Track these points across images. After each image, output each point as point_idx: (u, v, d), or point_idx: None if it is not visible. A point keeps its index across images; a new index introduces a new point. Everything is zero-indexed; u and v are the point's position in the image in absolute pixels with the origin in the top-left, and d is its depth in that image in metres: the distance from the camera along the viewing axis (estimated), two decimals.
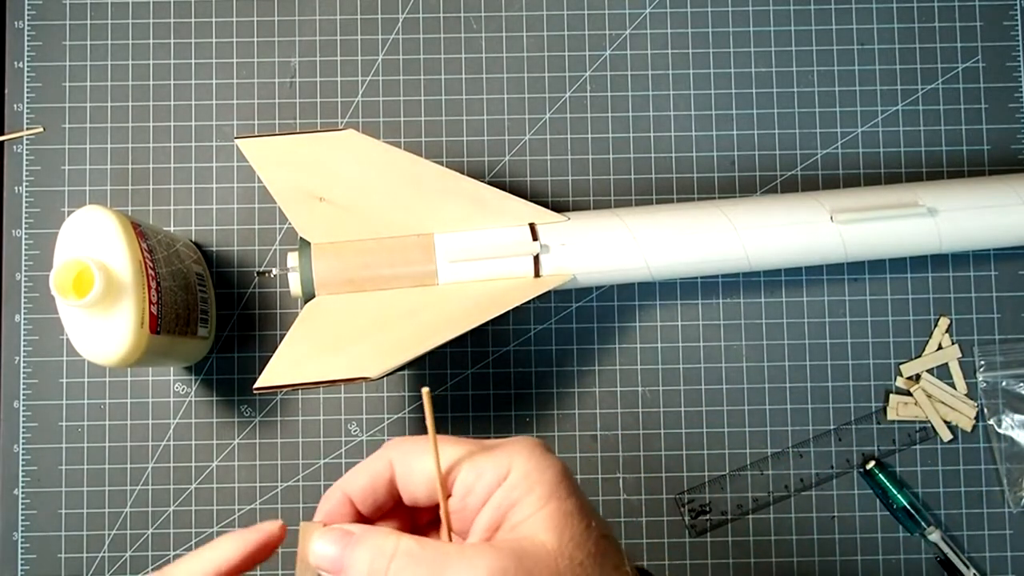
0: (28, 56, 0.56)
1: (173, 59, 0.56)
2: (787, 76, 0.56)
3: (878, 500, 0.54)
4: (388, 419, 0.54)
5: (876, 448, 0.54)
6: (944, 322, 0.55)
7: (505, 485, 0.32)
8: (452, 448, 0.33)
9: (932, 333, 0.55)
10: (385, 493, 0.34)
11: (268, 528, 0.33)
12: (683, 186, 0.56)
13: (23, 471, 0.53)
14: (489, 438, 0.54)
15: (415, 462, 0.33)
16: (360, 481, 0.34)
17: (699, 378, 0.54)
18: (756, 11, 0.57)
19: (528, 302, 0.48)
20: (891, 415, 0.54)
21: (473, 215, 0.48)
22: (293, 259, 0.48)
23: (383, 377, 0.48)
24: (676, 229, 0.49)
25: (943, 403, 0.54)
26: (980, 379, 0.54)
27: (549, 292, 0.49)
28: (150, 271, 0.45)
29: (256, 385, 0.46)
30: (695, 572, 0.53)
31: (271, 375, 0.46)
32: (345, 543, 0.31)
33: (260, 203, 0.55)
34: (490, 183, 0.50)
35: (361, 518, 0.34)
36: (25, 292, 0.54)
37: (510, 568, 0.29)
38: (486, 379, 0.54)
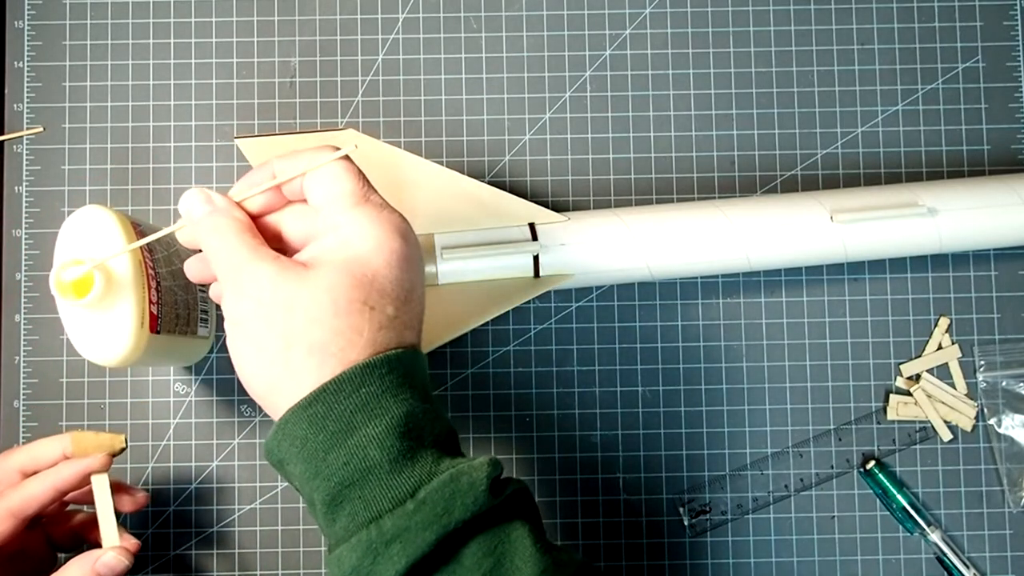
0: (28, 56, 0.56)
1: (173, 59, 0.56)
2: (787, 76, 0.56)
3: (878, 500, 0.54)
4: None
5: (876, 448, 0.54)
6: (944, 322, 0.55)
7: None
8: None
9: (932, 333, 0.55)
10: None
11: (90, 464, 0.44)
12: (683, 186, 0.56)
13: None
14: (489, 438, 0.54)
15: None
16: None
17: (699, 378, 0.54)
18: (756, 11, 0.57)
19: (528, 302, 0.48)
20: (891, 415, 0.54)
21: (473, 215, 0.48)
22: None
23: None
24: (676, 229, 0.49)
25: (943, 403, 0.54)
26: (980, 379, 0.54)
27: (549, 292, 0.49)
28: (150, 271, 0.45)
29: None
30: (695, 572, 0.53)
31: None
32: (206, 208, 0.38)
33: None
34: (490, 183, 0.50)
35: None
36: (25, 292, 0.54)
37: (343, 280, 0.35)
38: (486, 379, 0.54)
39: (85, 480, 0.44)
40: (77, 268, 0.40)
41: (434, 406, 0.36)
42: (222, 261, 0.36)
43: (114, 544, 0.43)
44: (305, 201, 0.38)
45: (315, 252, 0.36)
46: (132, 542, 0.44)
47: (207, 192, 0.38)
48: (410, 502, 0.33)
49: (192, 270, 0.40)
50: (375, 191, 0.38)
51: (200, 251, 0.39)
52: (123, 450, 0.46)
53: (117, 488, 0.46)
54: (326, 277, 0.35)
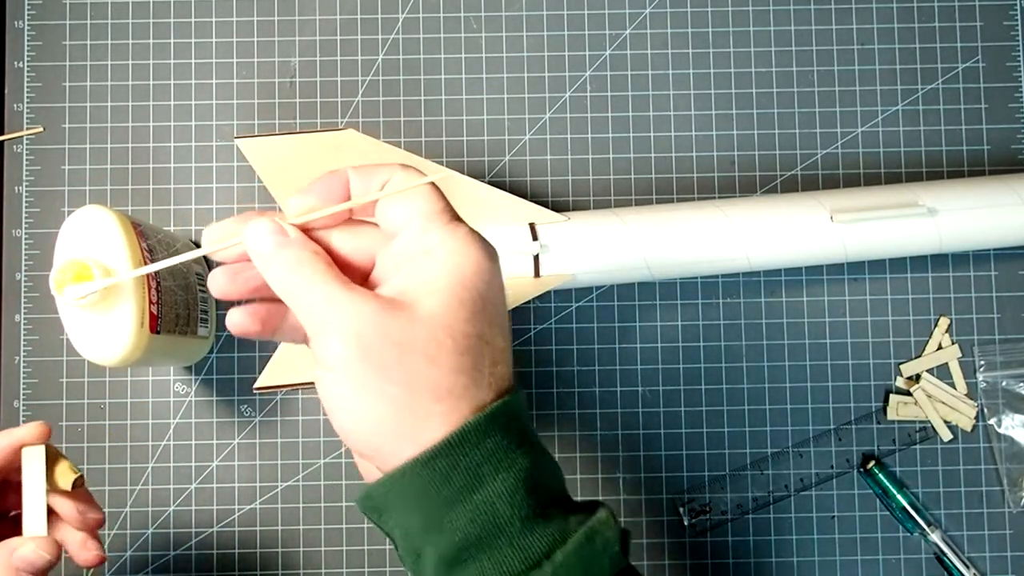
0: (28, 56, 0.56)
1: (173, 59, 0.56)
2: (787, 76, 0.56)
3: (878, 500, 0.54)
4: None
5: (876, 448, 0.54)
6: (944, 322, 0.55)
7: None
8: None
9: (932, 333, 0.55)
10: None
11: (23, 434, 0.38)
12: (683, 186, 0.56)
13: None
14: None
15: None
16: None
17: (699, 378, 0.54)
18: (756, 11, 0.57)
19: (528, 302, 0.48)
20: (891, 415, 0.54)
21: (473, 215, 0.48)
22: None
23: None
24: (676, 229, 0.49)
25: (943, 403, 0.54)
26: (980, 379, 0.54)
27: (549, 292, 0.49)
28: None
29: (256, 385, 0.46)
30: (695, 572, 0.53)
31: (271, 375, 0.46)
32: (280, 241, 0.32)
33: (260, 203, 0.55)
34: (490, 183, 0.50)
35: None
36: (25, 292, 0.54)
37: (376, 333, 0.30)
38: None
39: (17, 458, 0.39)
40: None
41: (547, 451, 0.33)
42: (308, 302, 0.32)
43: (37, 533, 0.37)
44: (359, 217, 0.35)
45: (408, 283, 0.32)
46: (61, 536, 0.39)
47: (277, 222, 0.33)
48: (547, 565, 0.30)
49: (218, 286, 0.34)
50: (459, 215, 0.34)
51: (219, 262, 0.35)
52: (76, 484, 0.39)
53: (81, 515, 0.40)
54: (436, 310, 0.31)
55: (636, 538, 0.53)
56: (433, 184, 0.33)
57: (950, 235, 0.50)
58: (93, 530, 0.41)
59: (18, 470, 0.39)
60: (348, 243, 0.34)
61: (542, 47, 0.56)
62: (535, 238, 0.48)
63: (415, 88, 0.56)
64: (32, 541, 0.37)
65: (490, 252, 0.33)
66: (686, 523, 0.53)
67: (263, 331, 0.35)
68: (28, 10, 0.56)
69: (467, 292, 0.31)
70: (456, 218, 0.33)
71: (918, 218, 0.50)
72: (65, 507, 0.40)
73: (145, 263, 0.44)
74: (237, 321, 0.34)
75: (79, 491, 0.40)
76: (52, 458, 0.39)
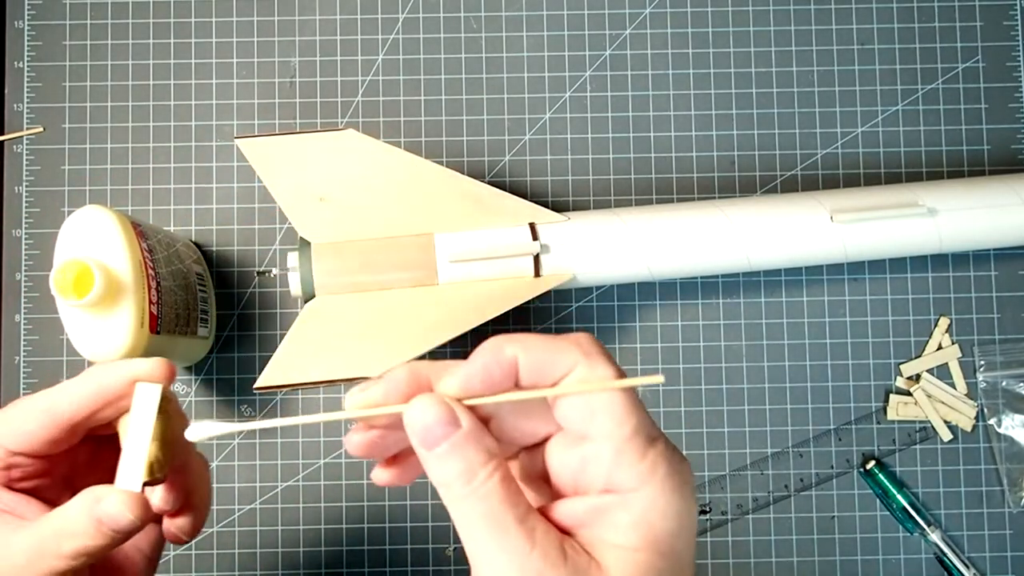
0: (28, 56, 0.56)
1: (173, 59, 0.56)
2: (787, 76, 0.56)
3: (878, 500, 0.54)
4: None
5: (876, 448, 0.54)
6: (944, 322, 0.55)
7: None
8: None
9: (932, 333, 0.55)
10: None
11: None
12: (683, 186, 0.56)
13: None
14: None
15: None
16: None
17: (699, 378, 0.54)
18: (756, 11, 0.57)
19: (528, 302, 0.48)
20: (891, 415, 0.54)
21: (473, 215, 0.48)
22: (293, 259, 0.48)
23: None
24: (676, 229, 0.49)
25: (943, 403, 0.54)
26: (980, 379, 0.54)
27: (549, 292, 0.49)
28: (150, 271, 0.45)
29: (256, 385, 0.46)
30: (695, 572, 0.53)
31: (271, 375, 0.46)
32: (452, 436, 0.27)
33: (260, 203, 0.55)
34: (490, 183, 0.50)
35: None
36: (25, 292, 0.54)
37: None
38: None
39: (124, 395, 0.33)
40: (77, 268, 0.39)
41: None
42: (482, 537, 0.27)
43: (130, 488, 0.31)
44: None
45: (596, 536, 0.28)
46: (162, 497, 0.34)
47: (449, 403, 0.28)
48: None
49: (355, 448, 0.30)
50: (654, 422, 0.29)
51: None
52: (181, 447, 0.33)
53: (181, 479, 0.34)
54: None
55: None
56: (629, 389, 0.28)
57: (950, 235, 0.50)
58: (192, 505, 0.35)
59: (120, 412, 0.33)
60: (514, 422, 0.30)
61: (542, 47, 0.56)
62: (535, 238, 0.48)
63: (415, 88, 0.56)
64: (120, 495, 0.31)
65: (690, 495, 0.28)
66: None
67: (402, 483, 0.31)
68: (28, 10, 0.56)
69: (663, 560, 0.27)
70: (653, 439, 0.28)
71: (918, 218, 0.50)
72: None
73: (145, 263, 0.44)
74: (383, 479, 0.31)
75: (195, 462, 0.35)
76: (171, 411, 0.33)
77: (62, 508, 0.32)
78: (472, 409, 0.28)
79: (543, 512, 0.28)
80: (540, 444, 0.31)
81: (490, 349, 0.28)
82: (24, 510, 0.34)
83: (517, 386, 0.29)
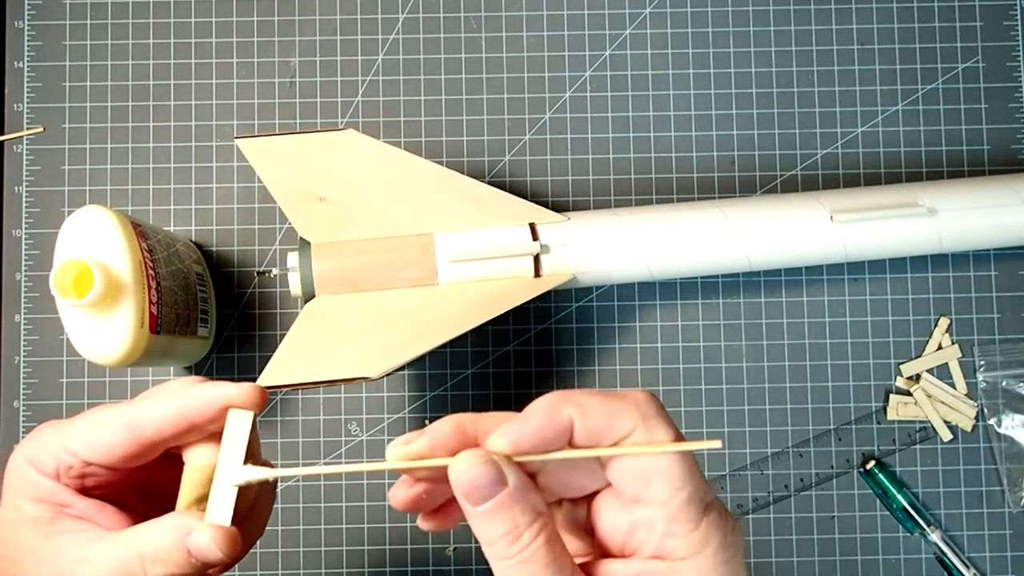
0: (28, 56, 0.56)
1: (173, 59, 0.56)
2: (787, 76, 0.56)
3: (878, 500, 0.54)
4: (388, 419, 0.54)
5: (876, 448, 0.54)
6: (944, 322, 0.55)
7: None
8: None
9: (932, 333, 0.55)
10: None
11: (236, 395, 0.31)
12: (683, 186, 0.56)
13: None
14: None
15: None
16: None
17: (699, 378, 0.54)
18: (756, 11, 0.57)
19: (528, 302, 0.48)
20: (891, 415, 0.54)
21: (473, 215, 0.48)
22: (293, 259, 0.48)
23: (383, 377, 0.48)
24: (676, 229, 0.49)
25: (943, 403, 0.54)
26: (980, 379, 0.54)
27: (549, 292, 0.49)
28: (150, 271, 0.45)
29: (256, 385, 0.46)
30: None
31: (271, 375, 0.46)
32: (495, 490, 0.26)
33: (260, 203, 0.55)
34: (490, 183, 0.50)
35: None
36: (25, 292, 0.54)
37: None
38: (486, 379, 0.54)
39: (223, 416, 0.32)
40: (77, 268, 0.40)
41: None
42: None
43: (220, 521, 0.30)
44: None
45: None
46: (252, 531, 0.33)
47: (496, 459, 0.27)
48: None
49: (399, 503, 0.30)
50: (709, 487, 0.28)
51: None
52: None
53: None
54: None
55: None
56: (686, 453, 0.27)
57: (950, 235, 0.50)
58: (249, 530, 0.34)
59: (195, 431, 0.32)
60: (562, 477, 0.29)
61: (542, 47, 0.56)
62: (535, 238, 0.48)
63: (415, 88, 0.56)
64: (213, 530, 0.30)
65: (739, 567, 0.28)
66: None
67: (446, 528, 0.31)
68: (28, 10, 0.56)
69: None
70: (708, 506, 0.27)
71: (918, 218, 0.50)
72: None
73: (145, 263, 0.44)
74: (427, 527, 0.31)
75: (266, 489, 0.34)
76: (253, 438, 0.32)
77: (147, 529, 0.31)
78: (519, 464, 0.27)
79: (586, 569, 0.28)
80: (587, 496, 0.30)
81: (546, 410, 0.28)
82: (100, 518, 0.33)
83: (570, 444, 0.28)
